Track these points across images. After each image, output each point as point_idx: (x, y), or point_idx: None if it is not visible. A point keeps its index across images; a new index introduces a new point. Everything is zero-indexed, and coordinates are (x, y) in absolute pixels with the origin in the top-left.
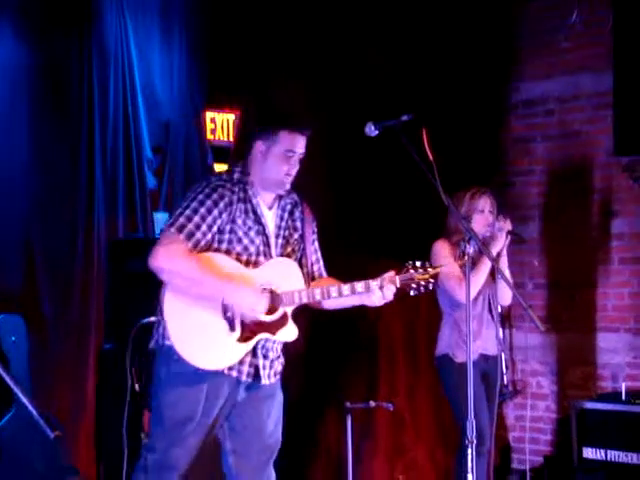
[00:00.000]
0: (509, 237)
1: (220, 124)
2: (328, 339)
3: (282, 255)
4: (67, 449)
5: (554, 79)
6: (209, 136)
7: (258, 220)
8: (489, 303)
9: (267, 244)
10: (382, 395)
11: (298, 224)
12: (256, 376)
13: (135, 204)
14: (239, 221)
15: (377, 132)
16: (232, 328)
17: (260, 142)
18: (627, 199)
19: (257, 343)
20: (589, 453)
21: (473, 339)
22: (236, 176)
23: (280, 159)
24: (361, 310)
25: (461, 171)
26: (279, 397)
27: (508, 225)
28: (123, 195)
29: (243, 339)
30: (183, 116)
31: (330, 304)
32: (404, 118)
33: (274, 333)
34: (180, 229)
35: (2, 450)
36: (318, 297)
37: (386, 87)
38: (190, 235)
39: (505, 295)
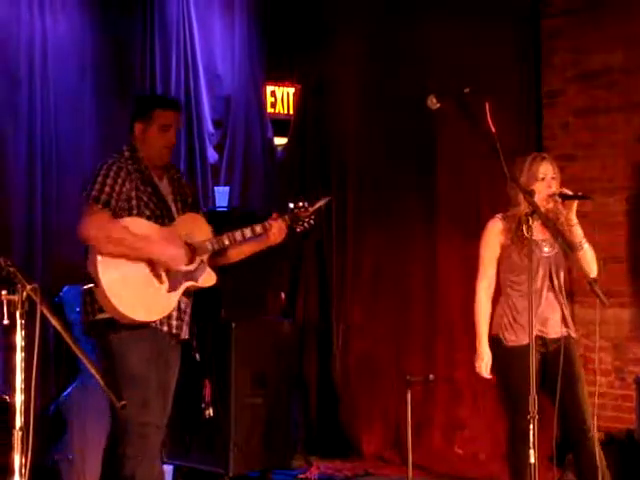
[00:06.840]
0: (561, 199)
1: (280, 97)
2: (387, 313)
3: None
4: None
5: (617, 49)
6: (269, 109)
7: (155, 187)
8: (551, 279)
9: (168, 207)
10: (441, 369)
11: (187, 191)
12: (180, 330)
13: (196, 178)
14: (141, 188)
15: (439, 105)
16: (160, 281)
17: (138, 123)
18: None
19: (179, 301)
20: None
21: (526, 320)
22: (126, 154)
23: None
24: (419, 282)
25: (519, 144)
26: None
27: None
28: (184, 169)
29: (172, 288)
30: (244, 90)
31: (233, 255)
32: (466, 91)
33: (197, 280)
34: (96, 200)
35: (68, 420)
36: (226, 242)
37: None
38: (106, 202)
39: (591, 266)
